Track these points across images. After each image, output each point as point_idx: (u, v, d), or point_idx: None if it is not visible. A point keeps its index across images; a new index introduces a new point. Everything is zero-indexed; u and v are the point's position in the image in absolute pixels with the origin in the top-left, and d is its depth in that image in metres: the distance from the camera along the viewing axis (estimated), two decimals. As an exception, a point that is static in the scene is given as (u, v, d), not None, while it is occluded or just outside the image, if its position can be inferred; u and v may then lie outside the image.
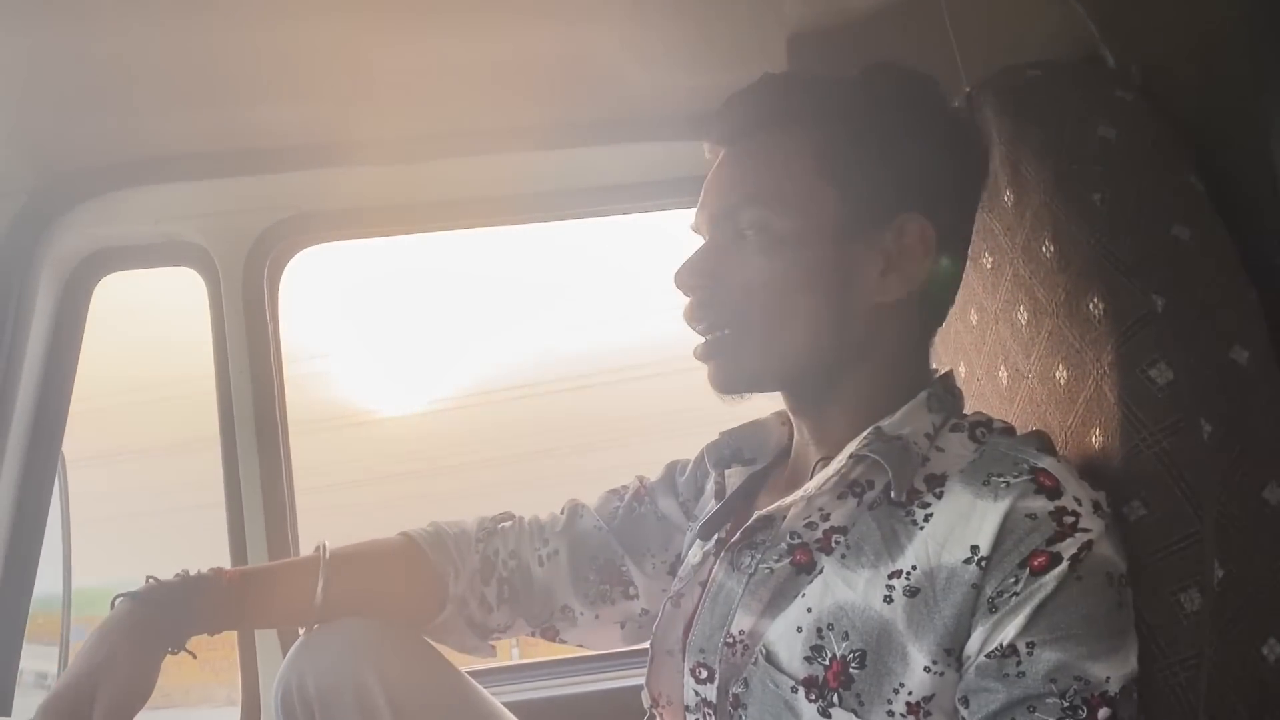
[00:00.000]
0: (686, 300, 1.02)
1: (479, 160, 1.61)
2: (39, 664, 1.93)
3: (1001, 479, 0.89)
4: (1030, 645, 0.84)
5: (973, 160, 1.03)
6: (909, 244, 0.98)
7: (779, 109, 1.01)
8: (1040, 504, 0.86)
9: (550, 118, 1.59)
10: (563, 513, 1.24)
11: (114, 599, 1.07)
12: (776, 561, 0.96)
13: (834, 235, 0.98)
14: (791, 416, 1.07)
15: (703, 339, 1.02)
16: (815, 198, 0.98)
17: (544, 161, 1.63)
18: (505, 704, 1.20)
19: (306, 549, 1.68)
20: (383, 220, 1.67)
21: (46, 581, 1.84)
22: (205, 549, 1.72)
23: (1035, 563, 0.85)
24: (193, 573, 1.10)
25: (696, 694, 0.98)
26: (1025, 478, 0.88)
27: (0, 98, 1.38)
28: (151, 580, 1.09)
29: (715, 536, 1.08)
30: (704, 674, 0.98)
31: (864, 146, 0.98)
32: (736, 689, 0.94)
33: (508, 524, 1.23)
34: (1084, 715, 0.83)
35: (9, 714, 1.54)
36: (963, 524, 0.88)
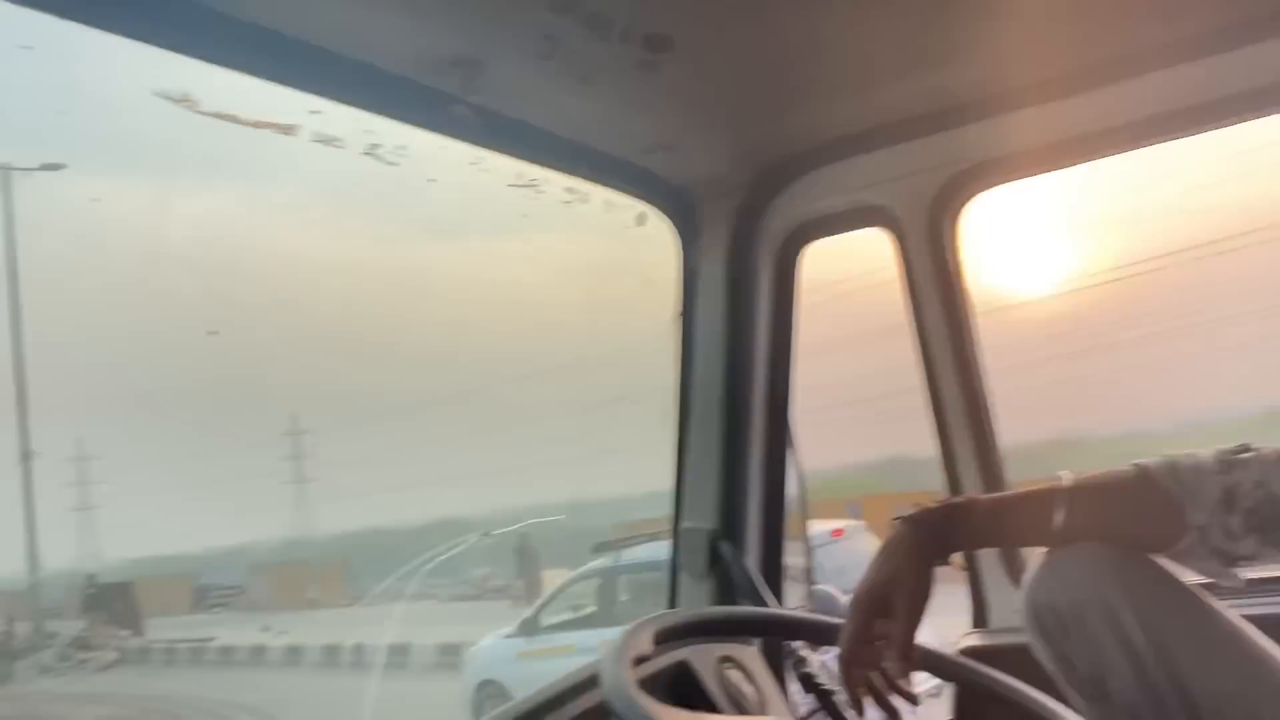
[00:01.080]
0: None
1: (1135, 82, 1.58)
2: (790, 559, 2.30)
3: None
4: None
5: None
6: None
7: None
8: None
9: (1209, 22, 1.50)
10: None
11: (893, 519, 1.32)
12: None
13: None
14: None
15: None
16: None
17: (1202, 68, 1.55)
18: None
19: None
20: (1050, 156, 1.71)
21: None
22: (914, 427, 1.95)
23: None
24: (954, 501, 1.32)
25: None
26: None
27: (721, 106, 1.61)
28: (918, 507, 1.31)
29: None
30: None
31: None
32: None
33: (1248, 455, 1.25)
34: None
35: (779, 601, 1.89)
36: None
